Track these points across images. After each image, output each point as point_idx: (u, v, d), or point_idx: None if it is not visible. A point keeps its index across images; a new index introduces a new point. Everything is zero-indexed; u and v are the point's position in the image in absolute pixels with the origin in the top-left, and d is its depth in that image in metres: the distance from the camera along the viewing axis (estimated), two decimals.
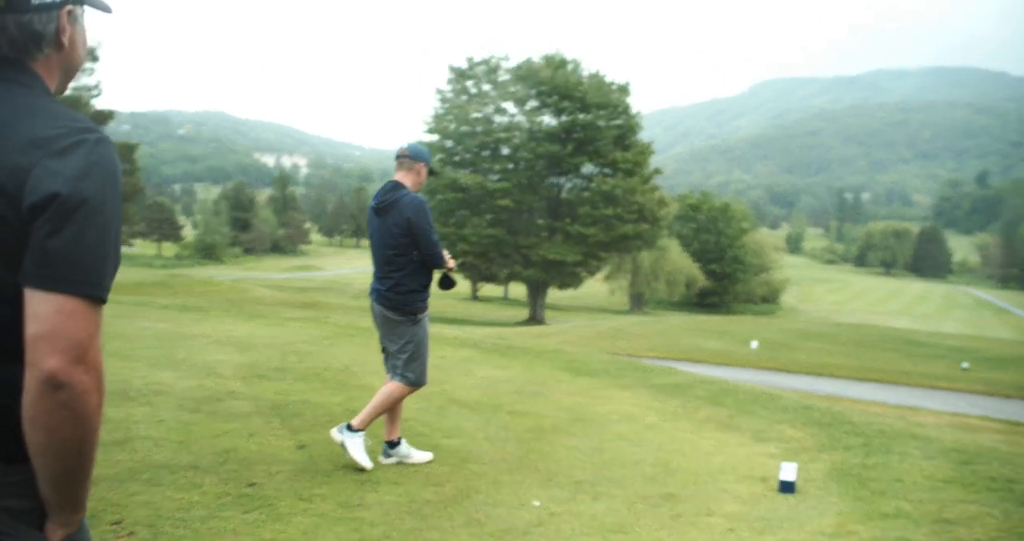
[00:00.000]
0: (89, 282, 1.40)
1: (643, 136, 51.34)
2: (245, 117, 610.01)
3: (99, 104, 38.82)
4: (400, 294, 5.08)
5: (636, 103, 50.05)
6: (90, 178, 1.42)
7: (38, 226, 1.38)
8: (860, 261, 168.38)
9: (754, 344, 25.53)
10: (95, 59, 38.17)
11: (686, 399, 8.55)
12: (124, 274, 62.68)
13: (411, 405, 6.87)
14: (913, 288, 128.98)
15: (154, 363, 7.92)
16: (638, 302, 75.57)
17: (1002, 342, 40.22)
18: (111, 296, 1.49)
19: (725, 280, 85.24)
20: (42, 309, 1.37)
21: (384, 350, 5.36)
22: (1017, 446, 8.76)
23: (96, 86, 38.73)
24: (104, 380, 1.45)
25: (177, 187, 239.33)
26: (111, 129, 38.51)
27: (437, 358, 9.84)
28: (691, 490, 5.29)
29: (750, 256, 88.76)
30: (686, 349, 23.40)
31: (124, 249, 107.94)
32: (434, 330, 13.59)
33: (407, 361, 5.16)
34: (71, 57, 1.64)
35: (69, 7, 1.57)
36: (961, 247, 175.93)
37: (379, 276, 5.20)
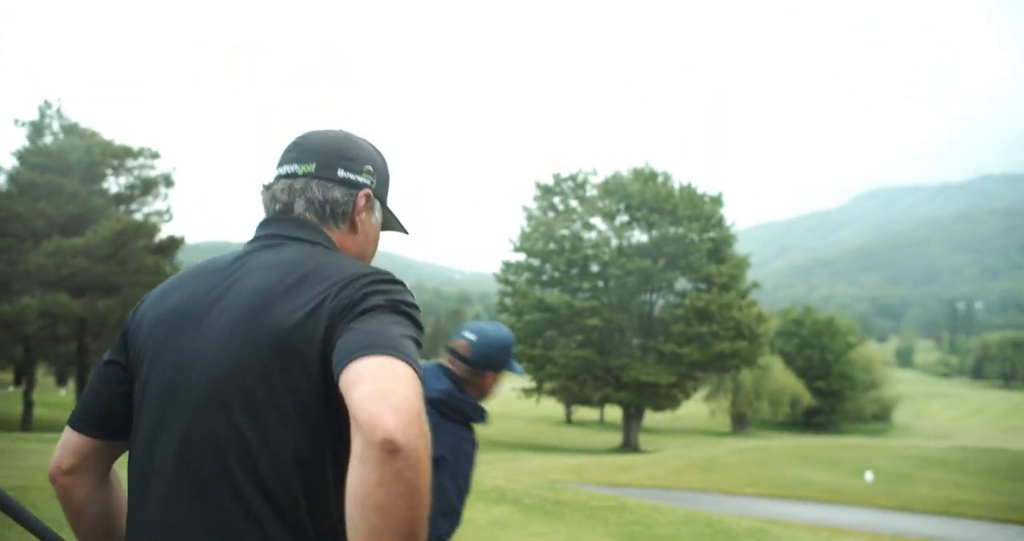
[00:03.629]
0: (406, 352, 1.35)
1: (740, 250, 49.28)
2: None
3: (168, 230, 39.20)
4: None
5: (733, 217, 48.45)
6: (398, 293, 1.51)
7: (340, 328, 1.40)
8: (976, 374, 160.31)
9: (868, 476, 22.66)
10: (170, 184, 38.43)
11: None
12: None
13: None
14: None
15: None
16: (741, 423, 71.99)
17: None
18: None
19: (832, 398, 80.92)
20: (367, 371, 1.29)
21: None
22: None
23: (167, 211, 39.05)
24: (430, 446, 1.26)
25: None
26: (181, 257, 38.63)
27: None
28: None
29: (858, 372, 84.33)
30: (789, 483, 20.71)
31: None
32: (476, 477, 11.68)
33: None
34: (363, 244, 1.76)
35: (368, 192, 1.72)
36: None
37: None
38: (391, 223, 1.86)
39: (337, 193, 1.66)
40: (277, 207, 1.68)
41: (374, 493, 1.18)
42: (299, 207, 1.66)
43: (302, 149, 1.70)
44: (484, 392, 3.36)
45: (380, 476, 1.18)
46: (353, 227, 1.71)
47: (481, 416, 3.18)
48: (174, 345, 1.52)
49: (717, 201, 47.62)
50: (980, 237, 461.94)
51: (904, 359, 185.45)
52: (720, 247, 47.32)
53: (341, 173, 1.67)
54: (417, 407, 1.25)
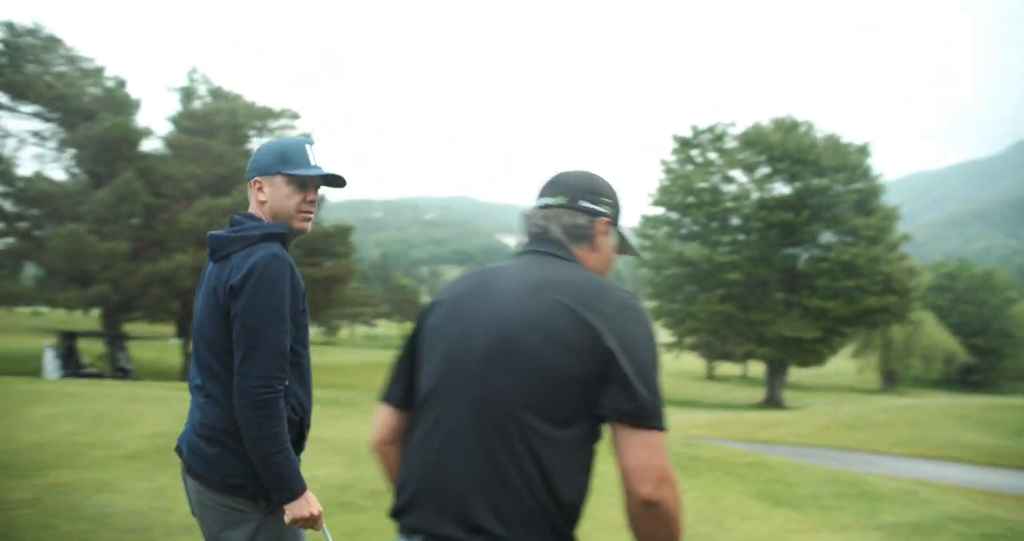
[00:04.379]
0: (662, 417, 1.79)
1: (889, 201, 47.28)
2: (488, 200, 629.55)
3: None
4: None
5: (881, 168, 46.39)
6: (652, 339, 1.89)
7: (614, 373, 1.78)
8: None
9: None
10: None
11: None
12: (353, 355, 64.27)
13: None
14: None
15: None
16: (890, 380, 69.70)
17: None
18: None
19: (991, 355, 77.50)
20: (635, 447, 1.75)
21: None
22: None
23: None
24: (680, 492, 1.79)
25: (425, 269, 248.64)
26: (362, 217, 39.59)
27: (597, 478, 7.86)
28: None
29: (1020, 329, 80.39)
30: (942, 444, 19.79)
31: (367, 329, 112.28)
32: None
33: None
34: (602, 261, 2.15)
35: (606, 220, 2.13)
36: None
37: None
38: (625, 246, 2.24)
39: (581, 220, 2.09)
40: (535, 230, 2.12)
41: (641, 528, 1.78)
42: (553, 231, 2.09)
43: (555, 186, 2.15)
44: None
45: (644, 520, 1.76)
46: (594, 247, 2.12)
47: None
48: (456, 324, 1.97)
49: (863, 151, 45.75)
50: None
51: None
52: (867, 198, 45.55)
53: (584, 204, 2.10)
54: (667, 471, 1.75)
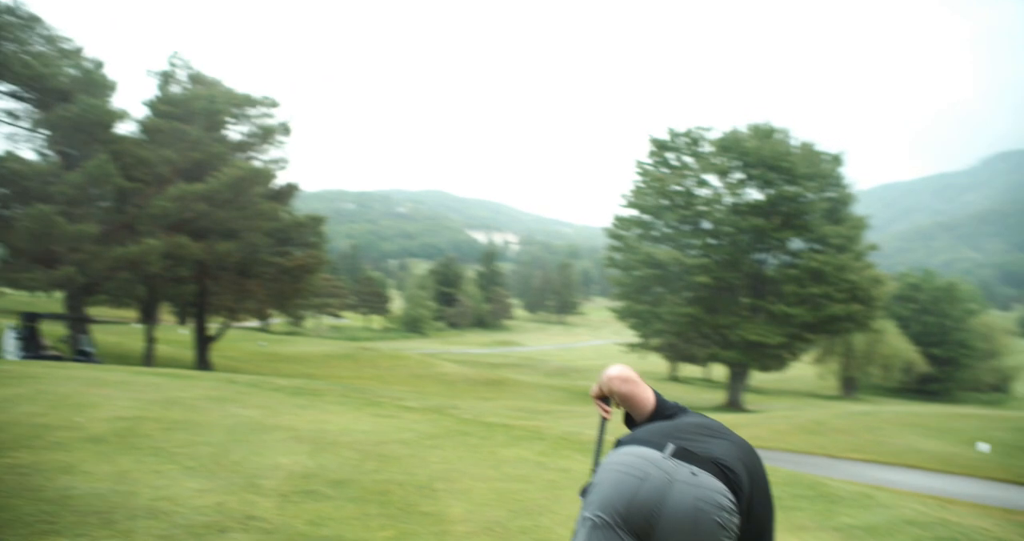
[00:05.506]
0: None
1: (859, 210, 47.82)
2: (462, 195, 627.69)
3: (285, 177, 40.22)
4: None
5: (853, 177, 47.01)
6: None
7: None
8: None
9: (983, 446, 21.89)
10: (287, 132, 39.18)
11: None
12: (319, 345, 64.03)
13: None
14: None
15: (191, 467, 6.41)
16: (850, 387, 70.61)
17: None
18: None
19: (948, 365, 78.66)
20: None
21: None
22: None
23: (282, 160, 40.16)
24: None
25: (395, 262, 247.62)
26: (334, 207, 39.46)
27: (556, 472, 7.95)
28: None
29: (977, 340, 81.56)
30: (898, 451, 20.15)
31: (333, 321, 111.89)
32: (571, 430, 11.65)
33: None
34: None
35: None
36: None
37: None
38: None
39: None
40: None
41: None
42: None
43: None
44: None
45: None
46: None
47: None
48: None
49: (837, 160, 46.24)
50: None
51: None
52: (838, 207, 46.09)
53: None
54: None
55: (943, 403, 63.41)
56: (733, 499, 2.34)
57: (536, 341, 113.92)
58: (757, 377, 56.84)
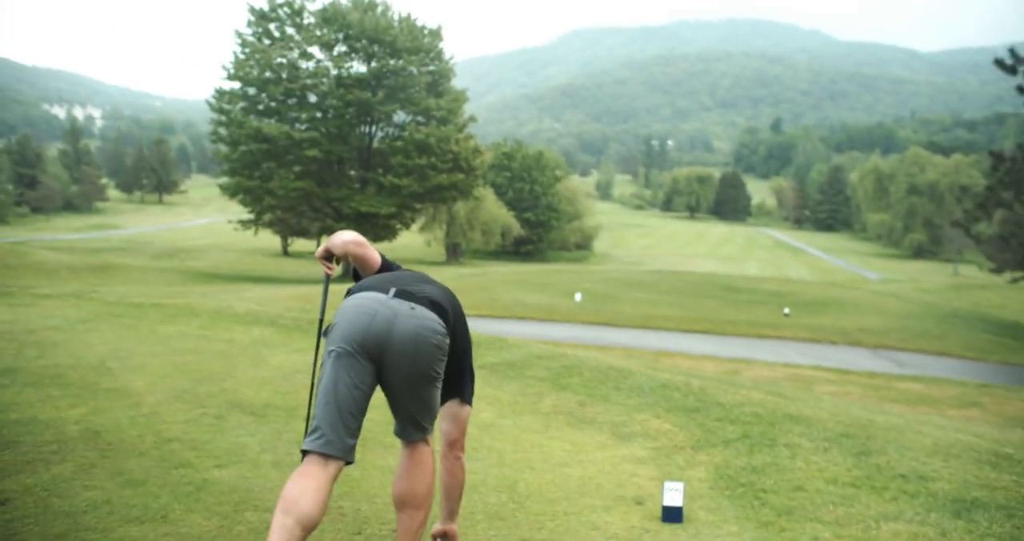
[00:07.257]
0: None
1: (456, 83, 49.87)
2: (32, 64, 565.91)
3: None
4: None
5: (451, 52, 48.51)
6: None
7: None
8: (667, 206, 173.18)
9: (578, 296, 24.79)
10: None
11: (525, 383, 7.30)
12: None
13: (178, 416, 5.33)
14: (716, 231, 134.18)
15: None
16: (455, 253, 74.85)
17: (816, 285, 41.42)
18: None
19: (540, 228, 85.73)
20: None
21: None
22: (887, 415, 7.99)
23: None
24: None
25: None
26: None
27: (223, 343, 8.26)
28: (548, 531, 3.95)
29: (563, 203, 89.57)
30: (509, 305, 22.39)
31: None
32: (223, 304, 11.89)
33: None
34: None
35: None
36: (759, 191, 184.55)
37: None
38: None
39: None
40: None
41: None
42: None
43: None
44: None
45: None
46: None
47: None
48: None
49: (436, 34, 47.51)
50: (674, 80, 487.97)
51: (604, 192, 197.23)
52: (439, 81, 47.68)
53: None
54: None
55: (538, 262, 69.50)
56: (444, 326, 3.07)
57: (136, 223, 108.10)
58: None
